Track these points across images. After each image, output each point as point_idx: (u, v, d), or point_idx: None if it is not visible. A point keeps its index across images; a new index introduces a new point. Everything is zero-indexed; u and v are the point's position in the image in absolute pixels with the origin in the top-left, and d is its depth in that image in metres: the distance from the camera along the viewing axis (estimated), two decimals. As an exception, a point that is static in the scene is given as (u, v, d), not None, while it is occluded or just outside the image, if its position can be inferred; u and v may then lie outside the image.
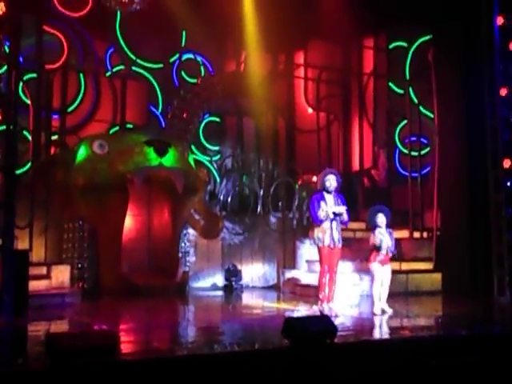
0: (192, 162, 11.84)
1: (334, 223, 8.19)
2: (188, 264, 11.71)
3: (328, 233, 8.15)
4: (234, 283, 11.93)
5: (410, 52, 14.35)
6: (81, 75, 12.77)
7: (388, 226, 8.42)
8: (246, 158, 13.77)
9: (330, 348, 5.83)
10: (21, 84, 11.32)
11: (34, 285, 8.96)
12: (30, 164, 11.24)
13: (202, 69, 13.91)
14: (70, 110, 12.53)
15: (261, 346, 6.19)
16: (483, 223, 10.37)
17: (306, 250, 11.94)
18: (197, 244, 12.09)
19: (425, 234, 12.35)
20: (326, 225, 8.16)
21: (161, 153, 10.55)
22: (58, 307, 9.01)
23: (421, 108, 12.93)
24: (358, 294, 10.26)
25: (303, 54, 14.97)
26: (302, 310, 9.07)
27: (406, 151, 13.68)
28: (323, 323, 6.05)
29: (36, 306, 8.35)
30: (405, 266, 11.21)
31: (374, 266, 8.35)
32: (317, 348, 5.70)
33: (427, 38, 13.00)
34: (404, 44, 14.57)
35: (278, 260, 12.45)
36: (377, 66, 15.07)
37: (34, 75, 11.81)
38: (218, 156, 13.63)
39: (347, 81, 15.24)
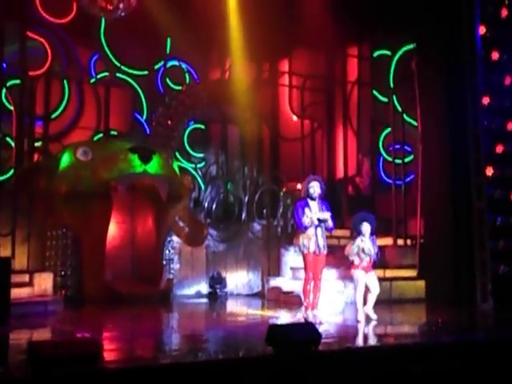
0: (177, 169, 11.82)
1: (319, 230, 8.21)
2: (172, 271, 11.67)
3: (313, 239, 8.16)
4: (218, 291, 11.91)
5: (394, 60, 14.45)
6: (65, 82, 12.72)
7: (372, 233, 8.45)
8: (230, 166, 13.78)
9: (314, 355, 5.82)
10: (4, 90, 11.29)
11: (17, 292, 8.88)
12: (12, 171, 11.17)
13: (187, 76, 13.91)
14: (53, 116, 12.46)
15: (245, 353, 6.18)
16: (466, 230, 10.43)
17: (291, 258, 11.95)
18: (181, 251, 12.05)
19: (408, 242, 12.40)
20: (310, 231, 8.16)
21: (145, 160, 10.52)
22: (41, 315, 8.92)
23: (404, 116, 13.02)
24: (342, 302, 10.29)
25: (288, 62, 15.03)
26: (286, 318, 9.07)
27: (389, 159, 13.75)
28: (307, 330, 6.05)
29: (18, 314, 8.27)
30: (388, 273, 11.24)
31: (357, 272, 8.37)
32: (301, 355, 5.69)
33: (411, 46, 13.11)
34: (388, 52, 14.69)
35: (262, 267, 12.44)
36: (361, 75, 15.16)
37: (18, 81, 11.76)
38: (203, 163, 13.62)
39: (331, 89, 15.31)
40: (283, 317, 9.25)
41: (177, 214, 11.67)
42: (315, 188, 8.29)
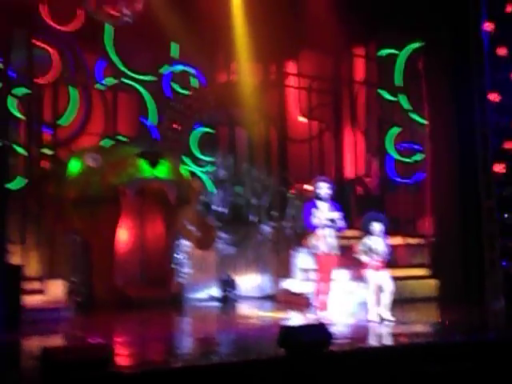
0: (185, 173, 11.83)
1: (330, 230, 8.20)
2: (182, 275, 11.67)
3: (323, 239, 8.16)
4: (229, 293, 11.90)
5: (401, 60, 14.40)
6: (72, 88, 12.76)
7: (383, 232, 8.40)
8: (238, 168, 13.77)
9: (326, 356, 5.81)
10: (15, 100, 11.34)
11: (28, 299, 8.91)
12: (22, 178, 11.21)
13: (194, 80, 13.93)
14: (61, 123, 12.50)
15: (257, 355, 6.17)
16: (476, 229, 10.39)
17: (301, 259, 11.92)
18: (191, 255, 12.05)
19: (419, 241, 12.35)
20: (320, 232, 8.16)
21: (153, 164, 10.55)
22: (52, 321, 8.94)
23: (413, 115, 12.97)
24: (353, 302, 10.26)
25: (294, 64, 15.02)
26: (297, 319, 9.05)
27: (398, 158, 13.71)
28: (319, 332, 6.04)
29: (30, 321, 8.30)
30: (399, 272, 11.19)
31: (368, 272, 8.33)
32: (313, 357, 5.68)
33: (417, 45, 13.07)
34: (395, 52, 14.63)
35: (272, 269, 12.43)
36: (368, 74, 15.12)
37: (26, 89, 11.80)
38: (211, 166, 13.63)
39: (338, 89, 15.28)
40: (294, 318, 9.24)
41: (186, 218, 11.68)
42: (323, 189, 8.28)
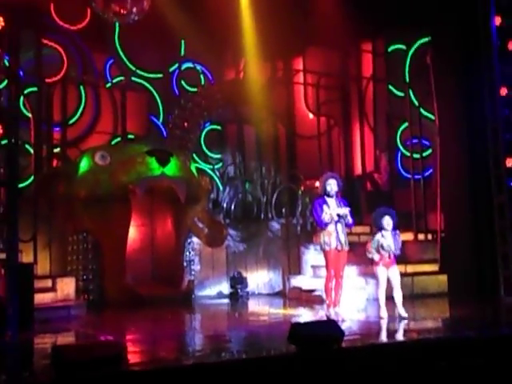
0: (194, 171, 11.85)
1: (340, 226, 8.19)
2: (193, 273, 11.70)
3: (334, 235, 8.14)
4: (239, 291, 11.92)
5: (409, 55, 14.36)
6: (81, 87, 12.81)
7: (395, 227, 8.36)
8: (247, 166, 13.78)
9: (337, 353, 5.81)
10: (21, 98, 11.39)
11: (40, 298, 8.95)
12: (32, 177, 11.26)
13: (202, 77, 13.94)
14: (70, 122, 12.56)
15: (268, 352, 6.17)
16: (487, 224, 10.35)
17: (311, 256, 11.92)
18: (201, 252, 12.07)
19: (429, 236, 12.31)
20: (331, 228, 8.15)
21: (163, 162, 10.55)
22: (64, 319, 8.99)
23: (421, 110, 12.92)
24: (364, 298, 10.24)
25: (302, 60, 15.00)
26: (308, 316, 9.05)
27: (407, 154, 13.67)
28: (330, 328, 6.03)
29: (42, 319, 8.34)
30: (410, 268, 11.17)
31: (379, 269, 8.29)
32: (324, 353, 5.68)
33: (425, 40, 13.02)
34: (402, 47, 14.58)
35: (282, 266, 12.43)
36: (376, 70, 15.08)
37: (35, 89, 11.86)
38: (220, 164, 13.64)
39: (346, 85, 15.26)
40: (305, 315, 9.23)
41: (196, 216, 11.69)
42: (332, 186, 8.27)
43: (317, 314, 8.82)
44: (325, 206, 8.16)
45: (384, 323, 7.93)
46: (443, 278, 10.82)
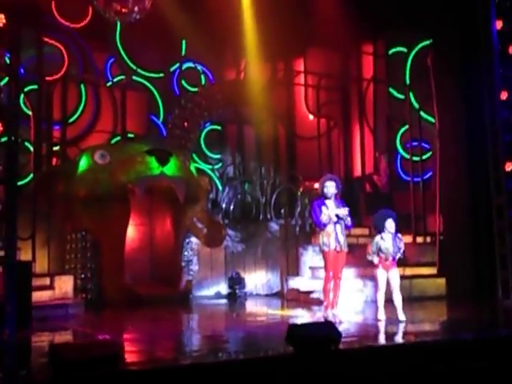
0: (193, 171, 11.85)
1: (339, 227, 8.19)
2: (191, 273, 11.69)
3: (333, 236, 8.14)
4: (237, 291, 11.92)
5: (410, 57, 14.36)
6: (81, 86, 12.81)
7: (397, 230, 8.34)
8: (247, 166, 13.78)
9: (334, 354, 5.81)
10: (22, 95, 11.38)
11: (38, 296, 8.95)
12: (31, 175, 11.26)
13: (203, 77, 13.94)
14: (70, 120, 12.56)
15: (265, 353, 6.17)
16: (486, 226, 10.37)
17: (309, 257, 11.93)
18: (200, 252, 12.07)
19: (428, 239, 12.31)
20: (330, 228, 8.15)
21: (162, 162, 10.55)
22: (62, 318, 8.99)
23: (421, 113, 12.93)
24: (361, 300, 10.24)
25: (302, 62, 15.00)
26: (305, 317, 9.05)
27: (407, 156, 13.67)
28: (327, 330, 6.03)
29: (39, 317, 8.34)
30: (408, 271, 11.17)
31: (379, 271, 8.27)
32: (321, 354, 5.68)
33: (426, 42, 13.02)
34: (403, 49, 14.59)
35: (281, 267, 12.43)
36: (376, 72, 15.09)
37: (35, 86, 11.86)
38: (220, 164, 13.64)
39: (347, 87, 15.27)
40: (303, 316, 9.23)
41: (195, 216, 11.69)
42: (330, 188, 8.27)
43: (314, 315, 8.82)
44: (323, 207, 8.17)
45: (382, 325, 7.93)
46: (441, 280, 10.82)
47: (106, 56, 13.19)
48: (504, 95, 10.32)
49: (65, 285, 10.05)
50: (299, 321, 8.53)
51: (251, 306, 11.21)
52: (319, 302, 9.12)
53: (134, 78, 13.29)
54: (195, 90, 13.56)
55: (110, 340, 6.90)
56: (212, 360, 5.84)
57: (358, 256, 10.49)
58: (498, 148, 10.27)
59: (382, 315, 8.20)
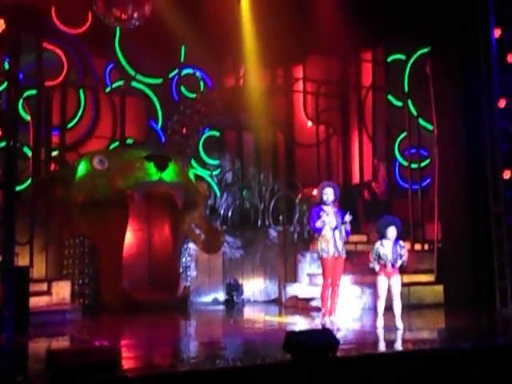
0: (192, 177, 11.85)
1: (337, 233, 8.19)
2: (189, 279, 11.68)
3: (332, 242, 8.15)
4: (235, 298, 11.90)
5: (409, 65, 14.40)
6: (80, 91, 12.82)
7: (398, 237, 8.31)
8: (245, 172, 13.79)
9: (332, 362, 5.79)
10: (21, 101, 11.38)
11: (35, 301, 8.93)
12: (30, 180, 11.25)
13: (202, 84, 13.97)
14: (69, 126, 12.56)
15: (263, 360, 6.15)
16: (484, 234, 10.35)
17: (307, 264, 11.91)
18: (198, 259, 12.07)
19: (426, 246, 12.30)
20: (328, 235, 8.15)
21: (161, 168, 10.56)
22: (59, 324, 8.97)
23: (420, 120, 12.95)
24: (359, 308, 10.23)
25: (302, 68, 15.03)
26: (303, 324, 9.03)
27: (405, 163, 13.69)
28: (325, 337, 6.02)
29: (37, 323, 8.31)
30: (406, 278, 11.10)
31: (379, 279, 8.22)
32: (319, 362, 5.66)
33: (425, 50, 13.05)
34: (402, 57, 14.63)
35: (279, 274, 12.41)
36: (375, 79, 15.12)
37: (34, 92, 11.87)
38: (218, 170, 13.65)
39: (346, 94, 15.30)
40: (301, 323, 9.22)
41: (193, 222, 11.69)
42: (328, 195, 8.29)
43: (312, 322, 8.80)
44: (323, 214, 8.17)
45: (380, 333, 7.92)
46: (439, 288, 10.81)
47: (106, 62, 13.21)
48: (502, 103, 10.33)
49: (62, 290, 10.03)
50: (297, 328, 8.51)
51: (249, 313, 11.19)
52: (317, 309, 9.10)
53: (133, 83, 13.32)
54: (194, 96, 13.59)
55: (108, 346, 6.88)
56: (209, 367, 5.82)
57: (356, 263, 10.51)
58: (497, 156, 10.27)
59: (380, 323, 8.18)
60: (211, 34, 12.30)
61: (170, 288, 10.96)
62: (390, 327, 8.08)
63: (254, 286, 12.50)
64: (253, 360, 6.18)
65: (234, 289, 12.00)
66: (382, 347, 7.29)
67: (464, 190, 10.73)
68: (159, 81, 13.68)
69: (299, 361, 5.63)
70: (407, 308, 9.84)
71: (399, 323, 8.08)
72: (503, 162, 10.28)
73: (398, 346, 7.26)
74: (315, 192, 8.64)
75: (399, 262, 8.22)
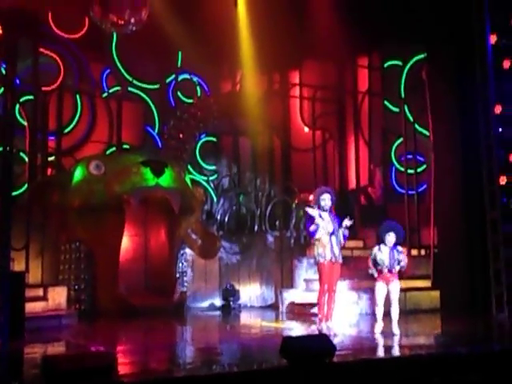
0: (189, 182, 11.85)
1: (334, 238, 8.20)
2: (185, 284, 11.67)
3: (328, 247, 8.15)
4: (231, 303, 11.89)
5: (405, 70, 14.44)
6: (77, 96, 12.82)
7: (396, 243, 8.30)
8: (242, 178, 13.80)
9: (328, 367, 5.79)
10: (17, 106, 11.38)
11: (31, 307, 8.90)
12: (26, 185, 11.23)
13: (198, 89, 13.98)
14: (66, 131, 12.55)
15: (259, 366, 6.15)
16: (480, 240, 10.37)
17: (304, 269, 11.90)
18: (194, 264, 12.05)
19: (422, 252, 12.32)
20: (325, 240, 8.15)
21: (157, 173, 10.56)
22: (55, 329, 8.95)
23: (416, 126, 12.98)
24: (356, 313, 10.22)
25: (298, 74, 15.06)
26: (300, 330, 9.02)
27: (402, 169, 13.71)
28: (322, 342, 6.02)
29: (32, 328, 8.29)
30: (403, 284, 11.07)
31: (378, 284, 8.21)
32: (315, 367, 5.66)
33: (421, 56, 13.10)
34: (398, 62, 14.67)
35: (275, 279, 12.40)
36: (371, 85, 15.16)
37: (31, 97, 11.86)
38: (215, 175, 13.65)
39: (342, 99, 15.32)
40: (297, 329, 9.21)
41: (189, 227, 11.68)
42: (326, 201, 8.29)
43: (309, 327, 8.79)
44: (318, 219, 8.17)
45: (376, 339, 7.91)
46: (436, 293, 10.82)
47: (102, 67, 13.22)
48: (498, 109, 10.37)
49: (58, 296, 10.01)
50: (293, 333, 8.51)
51: (245, 318, 11.18)
52: (313, 315, 9.09)
53: (130, 89, 13.33)
54: (191, 101, 13.60)
55: (104, 351, 6.87)
56: (205, 372, 5.81)
57: (353, 268, 10.50)
58: (493, 162, 10.30)
59: (379, 328, 8.14)
60: (208, 39, 12.32)
61: (166, 293, 10.94)
62: (386, 333, 8.08)
63: (251, 292, 12.48)
64: (249, 365, 6.18)
65: (230, 294, 11.99)
66: (378, 353, 7.29)
67: (460, 196, 10.75)
68: (156, 86, 13.69)
69: (296, 366, 5.62)
70: (404, 313, 9.81)
71: (396, 329, 8.08)
72: (499, 168, 10.32)
73: (395, 352, 7.27)
74: (311, 197, 8.62)
75: (397, 268, 8.22)
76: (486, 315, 9.93)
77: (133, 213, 10.84)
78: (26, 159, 11.42)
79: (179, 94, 13.73)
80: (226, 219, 12.83)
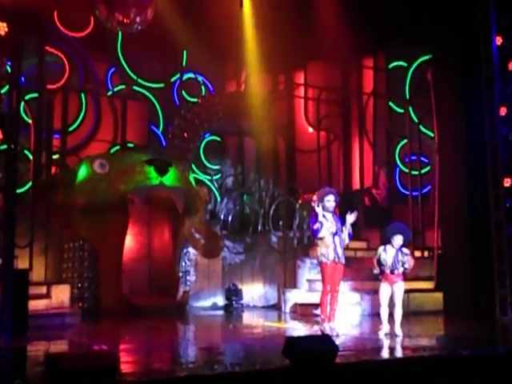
0: (192, 182, 11.86)
1: (337, 239, 8.18)
2: (188, 283, 11.67)
3: (332, 248, 8.13)
4: (234, 303, 11.88)
5: (410, 72, 14.43)
6: (82, 95, 12.84)
7: (403, 245, 8.29)
8: (246, 178, 13.80)
9: (331, 368, 5.78)
10: (22, 104, 11.40)
11: (34, 304, 8.90)
12: (30, 184, 11.25)
13: (203, 88, 13.99)
14: (70, 129, 12.57)
15: (261, 366, 6.14)
16: (484, 242, 10.35)
17: (307, 270, 11.89)
18: (197, 263, 12.06)
19: (426, 253, 12.30)
20: (328, 240, 8.14)
21: (161, 172, 10.56)
22: (58, 327, 8.95)
23: (421, 127, 12.96)
24: (359, 314, 10.21)
25: (303, 75, 15.06)
26: (302, 330, 9.02)
27: (406, 170, 13.69)
28: (324, 343, 6.01)
29: (36, 326, 8.29)
30: (406, 285, 11.10)
31: (382, 285, 8.19)
32: (318, 368, 5.65)
33: (426, 57, 13.08)
34: (403, 64, 14.66)
35: (278, 279, 12.39)
36: (376, 86, 15.15)
37: (36, 95, 11.88)
38: (219, 175, 13.66)
39: (347, 100, 15.32)
40: (300, 329, 9.20)
41: (193, 226, 11.69)
42: (331, 202, 8.28)
43: (311, 328, 8.78)
44: (322, 220, 8.16)
45: (379, 340, 7.90)
46: (439, 295, 10.80)
47: (107, 66, 13.25)
48: (503, 111, 10.35)
49: (62, 294, 10.01)
50: (296, 334, 8.50)
51: (248, 318, 11.18)
52: (316, 315, 9.08)
53: (135, 87, 13.35)
54: (195, 100, 13.61)
55: (107, 350, 6.88)
56: (208, 372, 5.80)
57: (356, 269, 10.49)
58: (497, 164, 10.28)
59: (384, 329, 8.11)
60: (213, 39, 12.33)
61: (169, 292, 10.95)
62: (389, 334, 8.06)
63: (254, 292, 12.48)
64: (252, 365, 6.17)
65: (233, 294, 11.99)
66: (381, 354, 7.27)
67: (464, 198, 10.73)
68: (161, 85, 13.70)
69: (298, 367, 5.61)
70: (407, 315, 9.81)
71: (398, 330, 8.06)
72: (504, 170, 10.29)
73: (398, 353, 7.25)
74: (315, 197, 8.60)
75: (401, 269, 8.20)
76: (490, 317, 9.91)
77: (136, 212, 10.85)
78: (31, 157, 11.45)
79: (184, 93, 13.75)
80: (230, 219, 12.83)
